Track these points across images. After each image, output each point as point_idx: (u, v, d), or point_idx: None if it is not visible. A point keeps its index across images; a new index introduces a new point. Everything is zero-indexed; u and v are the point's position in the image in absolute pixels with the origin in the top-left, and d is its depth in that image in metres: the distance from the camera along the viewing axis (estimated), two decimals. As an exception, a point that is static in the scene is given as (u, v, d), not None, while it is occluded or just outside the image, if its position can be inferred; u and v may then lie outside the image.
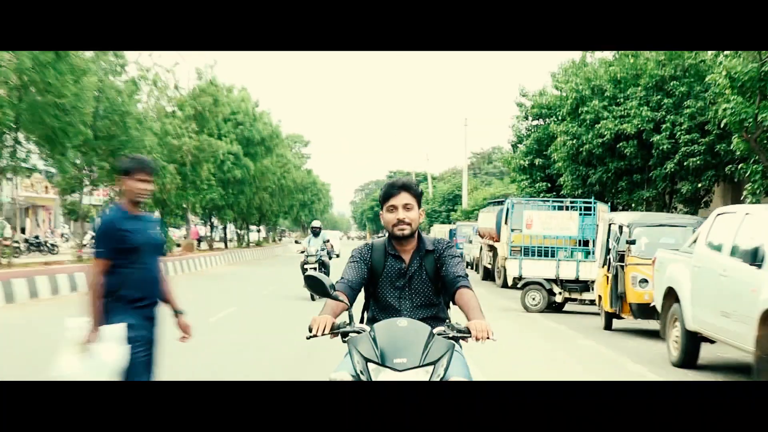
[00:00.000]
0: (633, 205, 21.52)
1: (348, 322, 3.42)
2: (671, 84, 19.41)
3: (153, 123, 23.50)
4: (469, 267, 33.99)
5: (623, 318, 12.74)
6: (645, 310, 11.81)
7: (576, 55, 24.78)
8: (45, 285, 15.94)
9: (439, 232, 45.04)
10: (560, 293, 16.29)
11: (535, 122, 27.52)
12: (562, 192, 23.72)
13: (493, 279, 25.63)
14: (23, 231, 34.74)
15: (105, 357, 4.33)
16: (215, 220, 42.99)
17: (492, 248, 25.41)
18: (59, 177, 20.33)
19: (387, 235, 3.69)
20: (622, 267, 12.36)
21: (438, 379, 3.04)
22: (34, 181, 40.26)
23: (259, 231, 61.68)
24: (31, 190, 43.28)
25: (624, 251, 12.39)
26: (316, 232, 17.00)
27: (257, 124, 37.99)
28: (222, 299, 16.61)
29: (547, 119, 26.15)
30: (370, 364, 3.06)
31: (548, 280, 16.34)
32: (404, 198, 3.56)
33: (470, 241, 33.70)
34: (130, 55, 22.02)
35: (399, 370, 3.00)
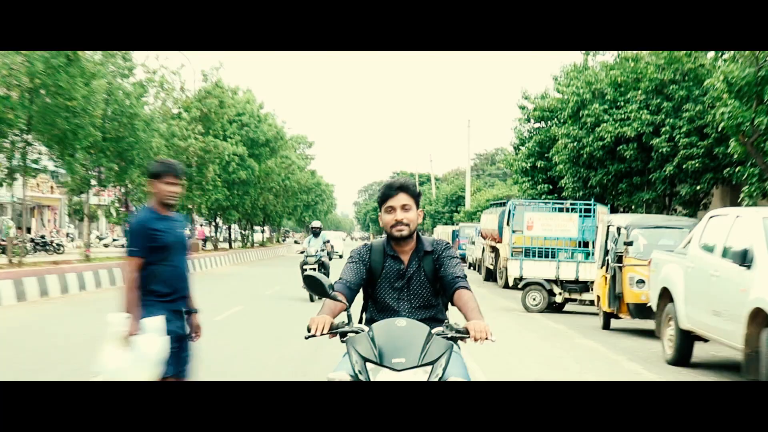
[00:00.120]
0: (633, 207, 21.76)
1: (346, 322, 3.40)
2: (671, 88, 19.66)
3: (160, 125, 23.85)
4: (472, 268, 34.27)
5: (621, 318, 13.02)
6: (642, 310, 12.08)
7: (578, 59, 25.01)
8: (55, 284, 16.26)
9: (442, 233, 45.34)
10: (560, 294, 16.56)
11: (537, 125, 27.78)
12: (564, 194, 23.96)
13: (495, 280, 25.89)
14: (29, 231, 35.04)
15: (147, 348, 4.60)
16: (219, 221, 43.33)
17: (494, 249, 25.70)
18: (68, 178, 20.66)
19: (386, 236, 3.67)
20: (620, 268, 12.63)
21: (436, 379, 3.03)
22: (39, 181, 40.63)
23: (263, 231, 62.08)
24: (36, 190, 43.65)
25: (622, 252, 12.67)
26: (316, 233, 16.90)
27: (262, 125, 38.34)
28: (228, 298, 16.88)
29: (548, 122, 26.41)
30: (368, 364, 3.05)
31: (548, 281, 16.61)
32: (402, 199, 3.54)
33: (473, 243, 33.99)
34: (138, 58, 22.41)
35: (397, 369, 2.99)
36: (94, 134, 18.37)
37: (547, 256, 17.52)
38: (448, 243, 3.73)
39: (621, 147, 20.22)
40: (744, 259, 7.73)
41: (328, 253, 17.07)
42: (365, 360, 3.06)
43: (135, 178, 22.60)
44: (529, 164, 26.98)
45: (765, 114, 13.05)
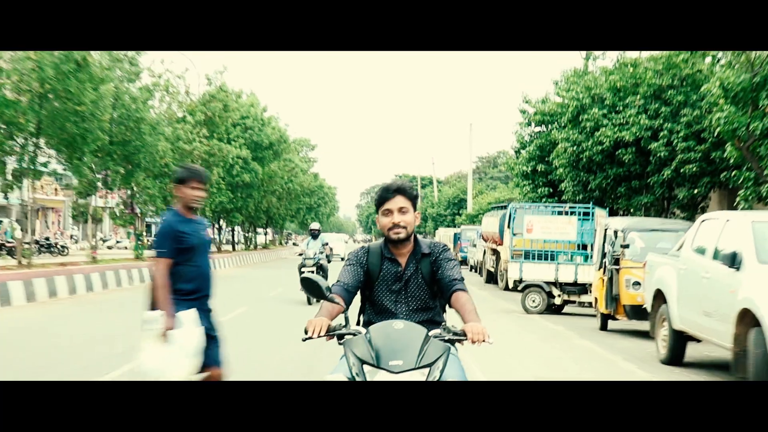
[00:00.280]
0: (632, 210, 22.00)
1: (344, 324, 3.38)
2: (669, 93, 19.90)
3: (165, 128, 24.17)
4: (473, 270, 34.48)
5: (618, 319, 13.28)
6: (638, 312, 12.32)
7: (578, 63, 25.27)
8: (63, 285, 16.57)
9: (443, 236, 45.50)
10: (559, 296, 16.80)
11: (538, 129, 28.03)
12: (564, 197, 24.19)
13: (496, 282, 26.12)
14: (33, 233, 35.33)
15: (186, 341, 4.91)
16: (223, 223, 43.65)
17: (495, 252, 25.95)
18: (76, 181, 20.99)
19: (383, 238, 3.66)
20: (616, 270, 12.90)
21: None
22: (44, 183, 40.94)
23: (266, 234, 62.41)
24: (40, 192, 43.95)
25: (618, 255, 12.93)
26: (314, 235, 16.69)
27: (266, 128, 38.64)
28: (232, 300, 17.07)
29: (549, 126, 26.64)
30: (365, 366, 3.04)
31: (548, 283, 16.85)
32: (399, 201, 3.52)
33: (474, 245, 34.21)
34: (143, 63, 22.74)
35: (395, 371, 2.98)
36: (102, 138, 18.72)
37: (546, 259, 17.75)
38: (446, 245, 3.73)
39: (620, 151, 20.49)
40: (733, 261, 8.00)
41: (327, 256, 16.92)
42: (362, 362, 3.05)
43: (141, 181, 22.91)
44: (529, 168, 27.22)
45: (760, 119, 13.28)
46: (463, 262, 38.15)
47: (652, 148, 19.67)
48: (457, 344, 3.40)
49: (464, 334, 3.23)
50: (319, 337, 3.24)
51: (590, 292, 16.00)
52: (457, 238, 41.30)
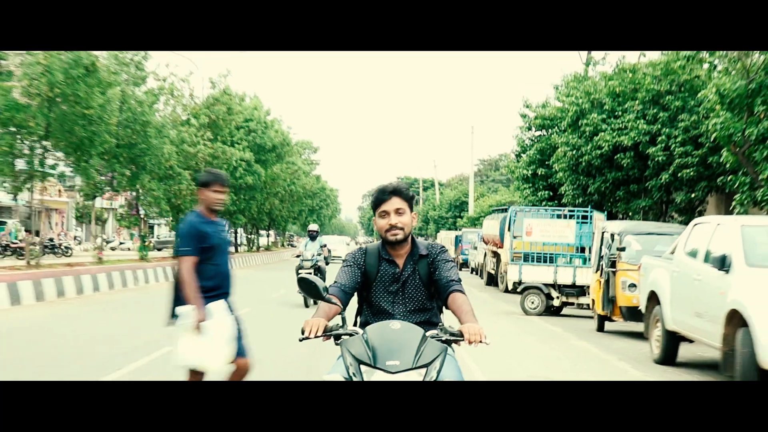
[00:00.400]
0: (630, 213, 22.26)
1: (341, 325, 3.39)
2: (667, 98, 20.18)
3: (170, 131, 24.49)
4: (474, 273, 34.73)
5: (614, 320, 13.55)
6: (634, 313, 12.57)
7: (579, 67, 25.52)
8: (71, 285, 16.89)
9: (445, 238, 45.75)
10: (558, 297, 17.06)
11: (538, 133, 28.31)
12: (564, 201, 24.42)
13: (496, 284, 26.37)
14: (37, 234, 35.59)
15: (219, 330, 5.20)
16: (226, 225, 43.88)
17: (495, 254, 26.21)
18: (83, 183, 21.31)
19: (380, 239, 3.67)
20: (613, 272, 13.16)
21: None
22: (48, 184, 41.21)
23: (268, 236, 62.68)
24: (44, 194, 44.20)
25: (615, 257, 13.20)
26: (312, 236, 16.50)
27: (269, 131, 38.94)
28: (236, 300, 17.33)
29: (549, 130, 26.91)
30: (362, 366, 3.04)
31: (547, 285, 17.10)
32: (396, 203, 3.51)
33: (475, 248, 34.45)
34: (149, 67, 23.06)
35: (391, 372, 2.98)
36: (109, 141, 19.05)
37: (545, 261, 17.98)
38: (443, 246, 3.74)
39: (618, 155, 20.78)
40: (723, 264, 8.29)
41: (325, 258, 16.73)
42: (359, 362, 3.05)
43: (146, 183, 23.23)
44: (530, 171, 27.49)
45: (755, 125, 13.54)
46: (464, 264, 38.43)
47: (650, 153, 19.94)
48: (453, 345, 3.42)
49: (461, 335, 3.24)
50: (316, 337, 3.23)
51: (588, 294, 16.25)
52: (458, 240, 41.53)
